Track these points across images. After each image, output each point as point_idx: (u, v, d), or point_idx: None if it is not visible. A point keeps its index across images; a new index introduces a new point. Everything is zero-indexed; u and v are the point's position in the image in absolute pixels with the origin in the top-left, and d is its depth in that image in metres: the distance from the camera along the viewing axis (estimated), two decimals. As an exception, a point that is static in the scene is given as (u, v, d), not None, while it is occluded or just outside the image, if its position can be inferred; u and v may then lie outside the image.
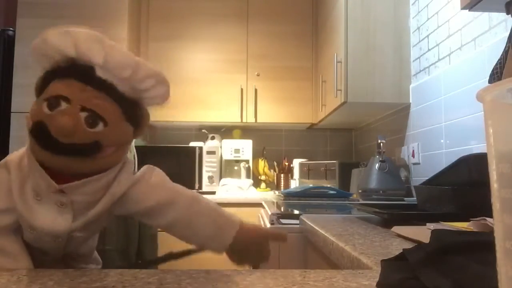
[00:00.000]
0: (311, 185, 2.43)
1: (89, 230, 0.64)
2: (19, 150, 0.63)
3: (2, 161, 0.61)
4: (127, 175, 0.62)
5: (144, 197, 0.63)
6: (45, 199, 0.58)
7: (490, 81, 1.09)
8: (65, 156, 0.55)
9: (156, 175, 0.66)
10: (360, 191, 1.98)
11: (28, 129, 0.56)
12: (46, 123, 0.54)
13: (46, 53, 0.59)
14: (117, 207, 0.63)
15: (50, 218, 0.59)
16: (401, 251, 0.48)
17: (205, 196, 0.69)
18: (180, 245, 0.75)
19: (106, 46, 0.57)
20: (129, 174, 0.63)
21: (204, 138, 2.96)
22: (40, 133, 0.54)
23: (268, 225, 1.16)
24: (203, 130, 3.04)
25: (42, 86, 0.58)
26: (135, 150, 1.50)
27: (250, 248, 0.66)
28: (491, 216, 0.26)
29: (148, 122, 0.64)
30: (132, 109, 0.60)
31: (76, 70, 0.56)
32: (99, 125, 0.55)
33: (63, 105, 0.54)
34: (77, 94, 0.55)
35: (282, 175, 2.91)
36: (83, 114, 0.54)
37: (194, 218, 0.64)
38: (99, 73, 0.56)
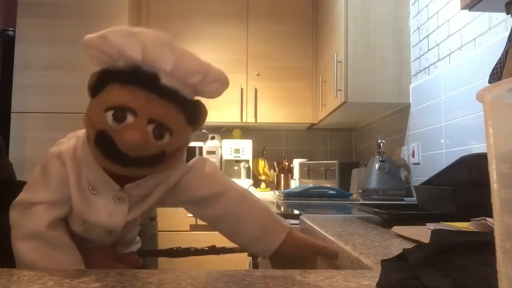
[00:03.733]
0: (311, 185, 2.43)
1: (141, 219, 0.64)
2: (68, 140, 0.62)
3: (55, 151, 0.60)
4: (180, 164, 0.62)
5: (195, 186, 0.63)
6: (102, 193, 0.59)
7: (490, 81, 1.09)
8: (132, 167, 0.54)
9: (208, 166, 0.65)
10: (360, 191, 1.98)
11: (91, 136, 0.53)
12: (111, 136, 0.51)
13: (106, 52, 0.53)
14: (169, 196, 0.63)
15: (106, 212, 0.59)
16: (401, 251, 0.48)
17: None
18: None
19: (175, 51, 0.53)
20: (182, 163, 0.63)
21: (204, 138, 2.96)
22: (106, 145, 0.52)
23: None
24: (203, 130, 3.04)
25: (98, 83, 0.54)
26: None
27: (294, 259, 0.63)
28: (491, 216, 0.26)
29: (205, 118, 0.61)
30: (193, 111, 0.57)
31: (140, 77, 0.52)
32: (166, 136, 0.53)
33: (129, 118, 0.51)
34: (143, 105, 0.51)
35: (282, 175, 2.91)
36: (150, 127, 0.52)
37: (243, 214, 0.62)
38: (165, 80, 0.53)
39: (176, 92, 0.54)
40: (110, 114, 0.51)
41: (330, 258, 0.65)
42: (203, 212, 0.64)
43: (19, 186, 0.62)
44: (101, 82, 0.54)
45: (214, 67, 0.58)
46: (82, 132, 0.60)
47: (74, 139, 0.61)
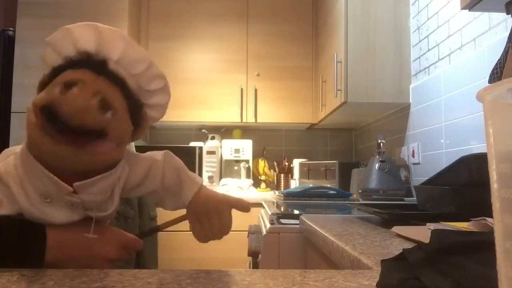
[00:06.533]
0: (311, 185, 2.43)
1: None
2: (5, 158, 0.62)
3: None
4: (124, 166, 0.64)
5: (130, 176, 0.65)
6: (55, 201, 0.59)
7: (490, 81, 1.09)
8: (67, 145, 0.53)
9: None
10: (360, 191, 1.98)
11: (32, 120, 0.54)
12: (54, 106, 0.53)
13: (62, 47, 0.59)
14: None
15: (65, 216, 0.60)
16: (401, 251, 0.48)
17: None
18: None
19: (125, 42, 0.59)
20: (125, 164, 0.64)
21: (204, 138, 2.96)
22: (48, 115, 0.53)
23: (268, 225, 1.16)
24: (203, 130, 3.04)
25: (49, 80, 0.57)
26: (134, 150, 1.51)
27: (210, 211, 0.67)
28: (491, 216, 0.26)
29: (146, 127, 0.66)
30: (136, 109, 0.61)
31: (90, 62, 0.57)
32: (108, 112, 0.55)
33: (76, 89, 0.53)
34: (91, 80, 0.55)
35: (282, 175, 2.90)
36: (95, 100, 0.54)
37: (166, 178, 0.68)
38: (113, 66, 0.58)
39: (122, 80, 0.58)
40: (58, 87, 0.54)
41: (243, 209, 0.69)
42: (144, 191, 0.68)
43: None
44: (53, 76, 0.57)
45: (158, 66, 0.63)
46: (19, 148, 0.60)
47: (11, 156, 0.61)
